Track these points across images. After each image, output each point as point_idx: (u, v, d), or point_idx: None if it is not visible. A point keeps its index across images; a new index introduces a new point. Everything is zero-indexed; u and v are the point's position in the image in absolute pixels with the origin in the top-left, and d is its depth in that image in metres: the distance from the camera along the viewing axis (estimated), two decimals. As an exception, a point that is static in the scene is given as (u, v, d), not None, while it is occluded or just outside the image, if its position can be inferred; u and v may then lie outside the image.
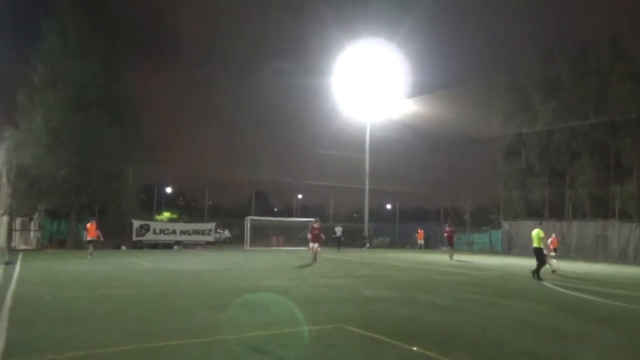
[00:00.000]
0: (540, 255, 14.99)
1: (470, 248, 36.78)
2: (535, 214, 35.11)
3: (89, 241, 20.70)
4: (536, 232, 15.26)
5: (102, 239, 21.41)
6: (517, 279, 15.53)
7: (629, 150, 30.98)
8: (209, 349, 5.61)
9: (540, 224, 16.28)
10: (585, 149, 33.64)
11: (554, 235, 19.36)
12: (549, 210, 34.54)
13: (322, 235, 20.61)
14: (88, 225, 21.10)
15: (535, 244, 15.14)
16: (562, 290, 12.53)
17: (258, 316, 7.81)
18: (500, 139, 38.63)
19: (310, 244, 20.25)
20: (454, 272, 17.42)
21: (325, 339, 6.35)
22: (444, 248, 24.15)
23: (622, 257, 27.46)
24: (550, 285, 13.55)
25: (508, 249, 33.98)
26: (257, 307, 8.66)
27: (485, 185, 44.29)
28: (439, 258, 24.94)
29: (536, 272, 14.79)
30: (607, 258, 28.00)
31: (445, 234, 24.89)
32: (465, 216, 39.94)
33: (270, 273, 15.30)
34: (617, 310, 9.75)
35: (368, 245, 37.08)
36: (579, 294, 11.74)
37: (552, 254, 18.23)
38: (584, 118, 32.30)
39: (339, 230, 32.81)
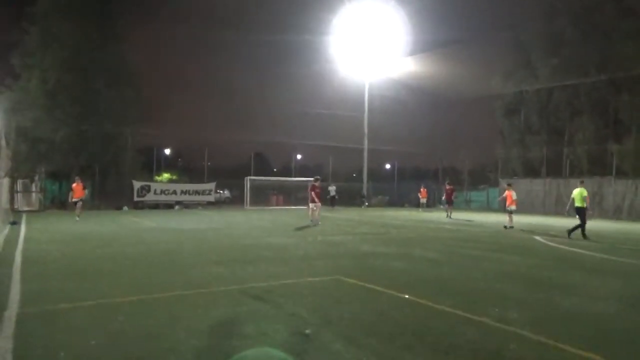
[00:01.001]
0: (582, 215, 14.45)
1: (468, 206, 37.26)
2: (532, 172, 35.44)
3: (75, 202, 19.35)
4: (579, 192, 14.63)
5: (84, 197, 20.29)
6: (510, 234, 15.92)
7: (628, 108, 30.91)
8: (213, 298, 5.93)
9: (582, 182, 15.41)
10: (585, 107, 33.53)
11: (506, 192, 18.82)
12: (546, 168, 34.80)
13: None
14: (74, 185, 19.80)
15: (577, 204, 14.57)
16: (554, 244, 12.90)
17: (259, 270, 8.15)
18: (500, 97, 38.41)
19: (311, 204, 18.45)
20: (450, 229, 17.82)
21: (323, 289, 6.69)
22: (442, 207, 24.41)
23: (617, 214, 27.95)
24: (542, 240, 13.93)
25: (505, 207, 34.43)
26: (258, 262, 8.99)
27: (484, 144, 44.37)
28: (437, 216, 25.39)
29: (582, 232, 14.31)
30: (603, 214, 28.47)
31: (446, 192, 25.03)
32: (464, 175, 40.22)
33: (270, 231, 15.68)
34: (604, 263, 10.11)
35: (367, 204, 37.57)
36: (569, 248, 12.11)
37: (513, 208, 18.56)
38: (585, 75, 32.05)
39: (332, 189, 33.23)
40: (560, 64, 33.91)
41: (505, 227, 17.94)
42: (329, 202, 32.26)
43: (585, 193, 14.64)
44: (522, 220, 22.54)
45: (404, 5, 38.49)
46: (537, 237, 14.64)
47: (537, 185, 33.14)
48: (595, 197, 30.12)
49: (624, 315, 5.71)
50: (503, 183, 35.40)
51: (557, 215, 27.46)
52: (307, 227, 17.74)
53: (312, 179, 20.52)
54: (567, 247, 12.26)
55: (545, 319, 5.35)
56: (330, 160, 41.32)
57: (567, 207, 15.73)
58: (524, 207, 30.05)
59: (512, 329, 4.85)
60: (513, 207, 18.54)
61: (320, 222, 18.13)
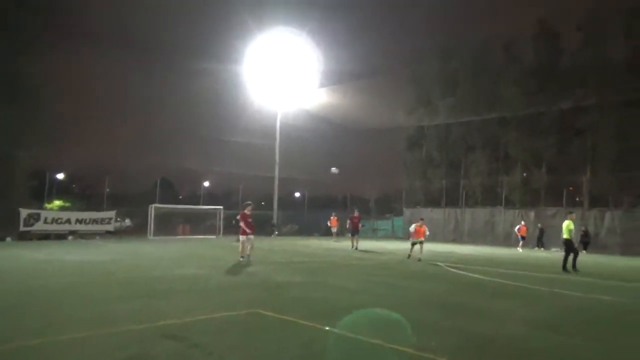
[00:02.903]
0: (570, 246, 14.58)
1: (375, 234, 38.49)
2: (433, 202, 37.67)
3: None
4: (566, 224, 14.69)
5: None
6: (418, 262, 16.61)
7: (515, 144, 34.27)
8: (122, 339, 5.40)
9: (571, 213, 15.63)
10: (478, 142, 36.67)
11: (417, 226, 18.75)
12: (445, 199, 37.20)
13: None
14: None
15: (565, 236, 14.57)
16: (458, 271, 13.65)
17: (171, 304, 7.63)
18: (404, 130, 40.78)
19: (241, 237, 15.28)
20: (360, 257, 18.20)
21: (241, 323, 6.40)
22: (350, 235, 24.74)
23: (506, 240, 30.48)
24: (446, 267, 14.69)
25: (409, 235, 36.14)
26: (170, 296, 8.43)
27: (389, 175, 46.40)
28: (347, 245, 25.77)
29: (572, 263, 14.42)
30: (494, 241, 30.91)
31: (350, 221, 23.72)
32: (370, 204, 41.67)
33: (179, 262, 14.89)
34: (504, 287, 10.88)
35: (277, 232, 37.32)
36: (472, 274, 12.88)
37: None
38: (478, 114, 35.14)
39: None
40: (456, 102, 36.91)
41: (409, 256, 17.37)
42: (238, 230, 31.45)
43: (571, 226, 14.71)
44: (425, 248, 23.68)
45: (316, 39, 39.78)
46: (441, 264, 15.42)
47: (437, 214, 35.24)
48: (487, 225, 32.76)
49: (532, 337, 6.12)
50: (407, 212, 37.25)
51: (455, 243, 29.27)
52: (219, 254, 17.12)
53: (220, 207, 18.94)
54: (469, 274, 13.02)
55: (462, 345, 5.55)
56: (240, 188, 40.72)
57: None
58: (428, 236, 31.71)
59: (432, 356, 4.96)
60: (422, 239, 17.73)
61: (251, 258, 15.11)
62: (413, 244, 17.53)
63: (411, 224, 18.73)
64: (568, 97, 31.20)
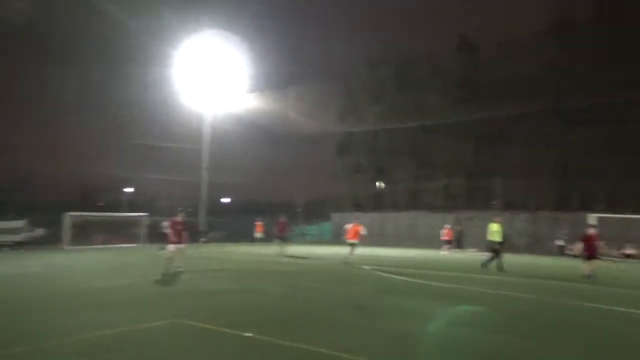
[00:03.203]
0: (496, 248, 15.51)
1: (303, 239, 38.74)
2: (361, 207, 38.59)
3: None
4: (492, 227, 15.74)
5: None
6: (344, 266, 16.93)
7: (438, 152, 36.06)
8: (41, 356, 5.08)
9: (498, 216, 16.93)
10: (404, 149, 38.18)
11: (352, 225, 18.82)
12: (372, 203, 38.31)
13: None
14: None
15: (491, 238, 15.66)
16: (383, 274, 14.09)
17: (92, 317, 7.25)
18: (333, 137, 41.56)
19: (170, 246, 13.72)
20: (289, 262, 18.26)
21: (166, 334, 6.25)
22: (281, 240, 24.48)
23: (428, 243, 31.90)
24: (373, 270, 15.12)
25: (336, 239, 36.76)
26: (90, 308, 8.01)
27: (318, 180, 46.94)
28: (275, 251, 25.67)
29: (497, 264, 15.28)
30: (417, 244, 32.24)
31: (277, 227, 23.22)
32: (299, 209, 41.92)
33: (99, 272, 14.15)
34: (424, 287, 11.41)
35: (204, 239, 36.44)
36: (397, 276, 13.37)
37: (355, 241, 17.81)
38: (403, 122, 36.59)
39: (166, 225, 30.91)
40: (383, 110, 38.23)
41: (346, 262, 17.00)
42: (164, 239, 30.18)
43: (498, 229, 15.70)
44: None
45: (246, 43, 39.46)
46: (368, 267, 15.84)
47: (364, 219, 36.10)
48: (410, 229, 34.13)
49: (449, 333, 6.50)
50: (336, 217, 37.90)
51: (380, 246, 30.16)
52: (143, 264, 16.44)
53: (144, 214, 17.60)
54: (394, 276, 13.50)
55: (382, 345, 5.78)
56: (166, 193, 39.36)
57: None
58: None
59: (351, 357, 5.13)
60: (352, 241, 17.56)
61: (181, 267, 13.50)
62: (350, 245, 17.45)
63: (344, 227, 18.90)
64: (485, 107, 33.35)
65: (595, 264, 14.02)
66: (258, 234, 30.91)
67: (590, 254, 14.08)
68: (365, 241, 18.98)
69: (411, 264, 18.23)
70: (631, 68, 28.09)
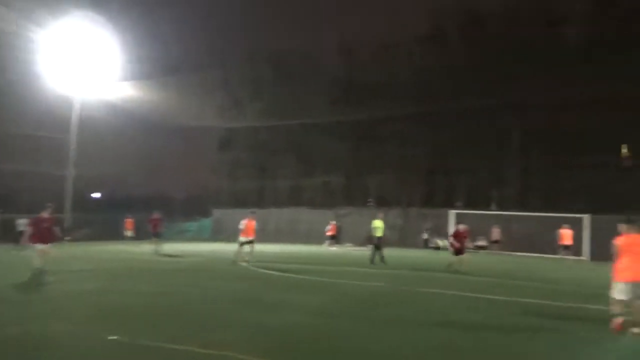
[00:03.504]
0: (378, 243, 16.36)
1: (181, 236, 37.32)
2: (241, 203, 38.26)
3: None
4: (375, 223, 16.50)
5: None
6: (225, 262, 16.68)
7: (317, 150, 37.09)
8: None
9: (381, 213, 17.83)
10: (285, 145, 38.64)
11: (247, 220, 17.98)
12: (252, 199, 38.21)
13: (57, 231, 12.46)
14: None
15: (374, 233, 16.48)
16: (261, 270, 14.10)
17: None
18: (215, 131, 40.63)
19: (38, 245, 11.29)
20: (163, 260, 17.48)
21: (26, 339, 5.59)
22: (155, 238, 22.80)
23: (308, 238, 32.71)
24: (250, 266, 15.08)
25: (216, 236, 36.02)
26: None
27: (198, 175, 45.61)
28: (149, 248, 24.25)
29: (380, 257, 16.06)
30: (297, 239, 32.87)
31: (151, 223, 21.64)
32: (177, 205, 40.35)
33: None
34: (301, 282, 11.69)
35: (69, 237, 33.32)
36: (273, 272, 13.47)
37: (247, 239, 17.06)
38: (284, 119, 37.00)
39: (22, 223, 27.08)
40: (264, 107, 38.30)
41: (234, 261, 15.82)
42: (15, 238, 26.27)
43: (380, 224, 16.57)
44: (232, 248, 23.92)
45: (121, 27, 36.76)
46: (245, 263, 15.75)
47: (244, 215, 35.92)
48: (291, 225, 34.67)
49: (312, 323, 6.72)
50: (216, 213, 37.08)
51: (261, 242, 30.27)
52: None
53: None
54: (271, 271, 13.59)
55: (249, 337, 5.81)
56: (25, 187, 35.19)
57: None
58: (234, 237, 32.07)
59: (217, 352, 5.08)
60: (246, 238, 16.15)
61: (46, 267, 11.29)
62: (242, 244, 15.85)
63: (240, 223, 16.37)
64: (363, 107, 35.08)
65: (464, 257, 14.87)
66: (128, 232, 28.25)
67: (459, 248, 14.90)
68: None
69: (290, 259, 18.54)
70: (491, 75, 31.59)
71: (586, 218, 24.07)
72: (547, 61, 30.53)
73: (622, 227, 7.18)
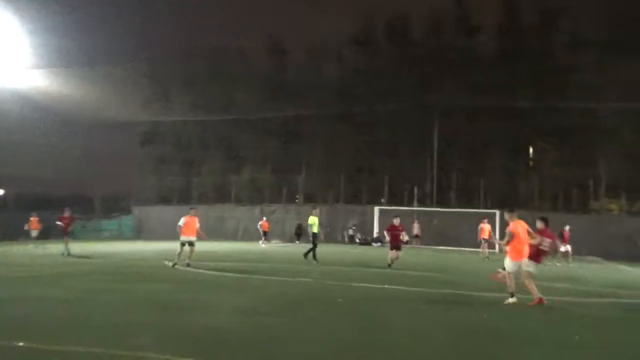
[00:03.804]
0: (314, 239, 16.53)
1: (99, 235, 35.45)
2: (165, 200, 37.13)
3: None
4: (312, 219, 16.61)
5: None
6: (145, 262, 16.12)
7: (246, 146, 36.81)
8: None
9: (315, 209, 18.11)
10: (212, 141, 37.94)
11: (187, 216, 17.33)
12: (178, 196, 37.18)
13: None
14: None
15: (312, 229, 16.55)
16: (185, 269, 13.72)
17: None
18: (138, 125, 38.94)
19: None
20: (78, 262, 16.47)
21: None
22: (66, 238, 20.42)
23: (234, 235, 32.43)
24: (174, 266, 14.61)
25: (138, 235, 34.64)
26: None
27: (119, 171, 43.58)
28: (58, 250, 22.31)
29: (312, 254, 16.20)
30: (225, 237, 32.44)
31: (62, 222, 19.47)
32: (95, 202, 38.33)
33: None
34: (227, 280, 11.64)
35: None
36: (199, 271, 13.23)
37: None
38: (213, 114, 36.31)
39: None
40: (193, 101, 37.36)
41: (174, 264, 14.15)
42: None
43: (316, 221, 16.65)
44: (156, 247, 23.23)
45: (31, 12, 34.10)
46: (167, 262, 15.25)
47: (168, 212, 34.93)
48: (218, 222, 34.10)
49: (238, 322, 6.77)
50: (137, 211, 35.63)
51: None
52: None
53: None
54: (197, 270, 13.32)
55: (171, 340, 5.76)
56: None
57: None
58: (156, 235, 31.10)
59: (141, 354, 5.01)
60: (187, 238, 14.24)
61: None
62: (182, 245, 14.14)
63: (179, 222, 14.39)
64: (291, 106, 35.27)
65: (398, 252, 15.07)
66: (33, 231, 25.42)
67: (394, 243, 15.10)
68: (170, 236, 18.05)
69: (218, 257, 18.30)
70: (413, 79, 33.06)
71: (497, 213, 25.87)
72: (464, 68, 32.52)
73: (507, 216, 9.24)
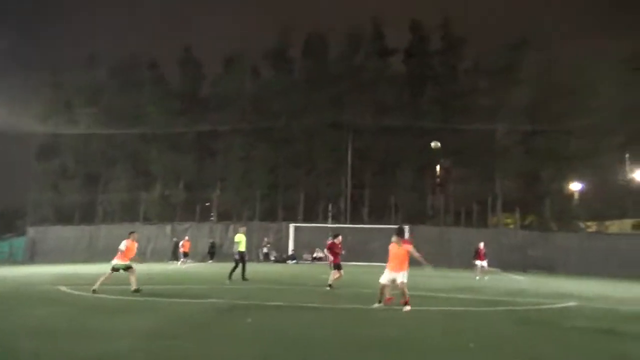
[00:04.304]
0: (241, 258, 16.06)
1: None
2: (66, 219, 34.49)
3: None
4: (237, 237, 16.34)
5: None
6: (38, 287, 14.75)
7: (156, 161, 35.23)
8: None
9: (243, 227, 17.74)
10: (120, 156, 35.92)
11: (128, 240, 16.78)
12: (80, 214, 34.67)
13: None
14: None
15: (238, 248, 16.14)
16: (81, 293, 12.72)
17: None
18: (35, 137, 36.01)
19: None
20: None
21: None
22: None
23: (143, 256, 30.71)
24: (67, 290, 13.56)
25: (31, 257, 31.78)
26: None
27: (13, 187, 39.88)
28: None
29: (242, 273, 15.89)
30: (132, 257, 30.66)
31: None
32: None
33: None
34: (127, 304, 10.93)
35: None
36: (94, 295, 12.29)
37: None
38: (120, 127, 34.49)
39: None
40: (98, 113, 35.25)
41: (137, 290, 12.62)
42: None
43: (242, 239, 16.30)
44: (50, 270, 21.43)
45: None
46: (63, 288, 14.10)
47: (69, 232, 32.47)
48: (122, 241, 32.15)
49: (140, 348, 6.34)
50: (32, 231, 32.67)
51: (88, 262, 27.54)
52: None
53: None
54: (91, 294, 12.36)
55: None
56: None
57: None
58: (52, 257, 28.80)
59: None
60: (123, 263, 13.16)
61: None
62: (115, 270, 12.91)
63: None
64: (206, 121, 34.52)
65: (340, 271, 14.34)
66: None
67: (336, 261, 14.39)
68: (68, 258, 16.82)
69: (120, 280, 17.18)
70: (328, 96, 33.76)
71: (407, 228, 26.95)
72: (376, 87, 33.93)
73: (395, 238, 10.52)
